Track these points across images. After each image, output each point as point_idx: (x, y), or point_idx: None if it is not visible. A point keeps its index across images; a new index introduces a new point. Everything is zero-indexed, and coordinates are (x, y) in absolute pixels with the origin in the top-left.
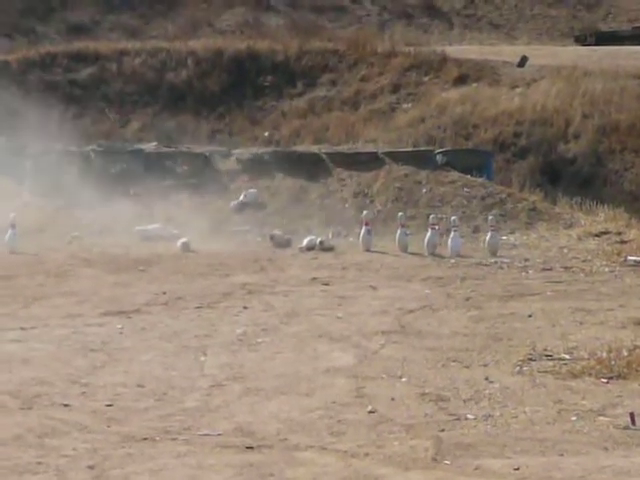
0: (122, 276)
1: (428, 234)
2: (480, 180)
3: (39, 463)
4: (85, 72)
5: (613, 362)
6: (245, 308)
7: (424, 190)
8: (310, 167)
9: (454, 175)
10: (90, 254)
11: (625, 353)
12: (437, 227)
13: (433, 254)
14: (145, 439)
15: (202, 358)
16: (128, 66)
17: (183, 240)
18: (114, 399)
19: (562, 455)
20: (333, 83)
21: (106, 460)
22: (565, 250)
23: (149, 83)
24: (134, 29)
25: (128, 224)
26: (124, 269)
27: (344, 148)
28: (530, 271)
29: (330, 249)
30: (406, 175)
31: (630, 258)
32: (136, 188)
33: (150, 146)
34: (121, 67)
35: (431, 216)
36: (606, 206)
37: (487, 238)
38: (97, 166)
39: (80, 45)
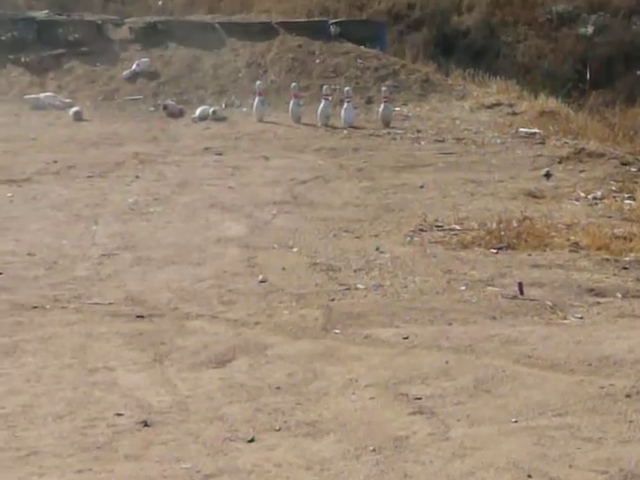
0: (12, 144)
1: (321, 105)
2: (374, 51)
3: None
4: None
5: (503, 233)
6: (137, 178)
7: (317, 61)
8: (203, 37)
9: (348, 46)
10: None
11: (515, 224)
12: (330, 98)
13: (326, 125)
14: (35, 307)
15: (93, 227)
16: None
17: (75, 109)
18: (4, 268)
19: (450, 324)
20: None
21: None
22: (457, 121)
23: None
24: None
25: (19, 92)
26: (14, 137)
27: (238, 18)
28: (422, 142)
29: (223, 119)
30: (300, 45)
31: (521, 130)
32: (27, 56)
33: (42, 14)
34: None
35: (324, 87)
36: (498, 78)
37: (380, 109)
38: None
39: None
